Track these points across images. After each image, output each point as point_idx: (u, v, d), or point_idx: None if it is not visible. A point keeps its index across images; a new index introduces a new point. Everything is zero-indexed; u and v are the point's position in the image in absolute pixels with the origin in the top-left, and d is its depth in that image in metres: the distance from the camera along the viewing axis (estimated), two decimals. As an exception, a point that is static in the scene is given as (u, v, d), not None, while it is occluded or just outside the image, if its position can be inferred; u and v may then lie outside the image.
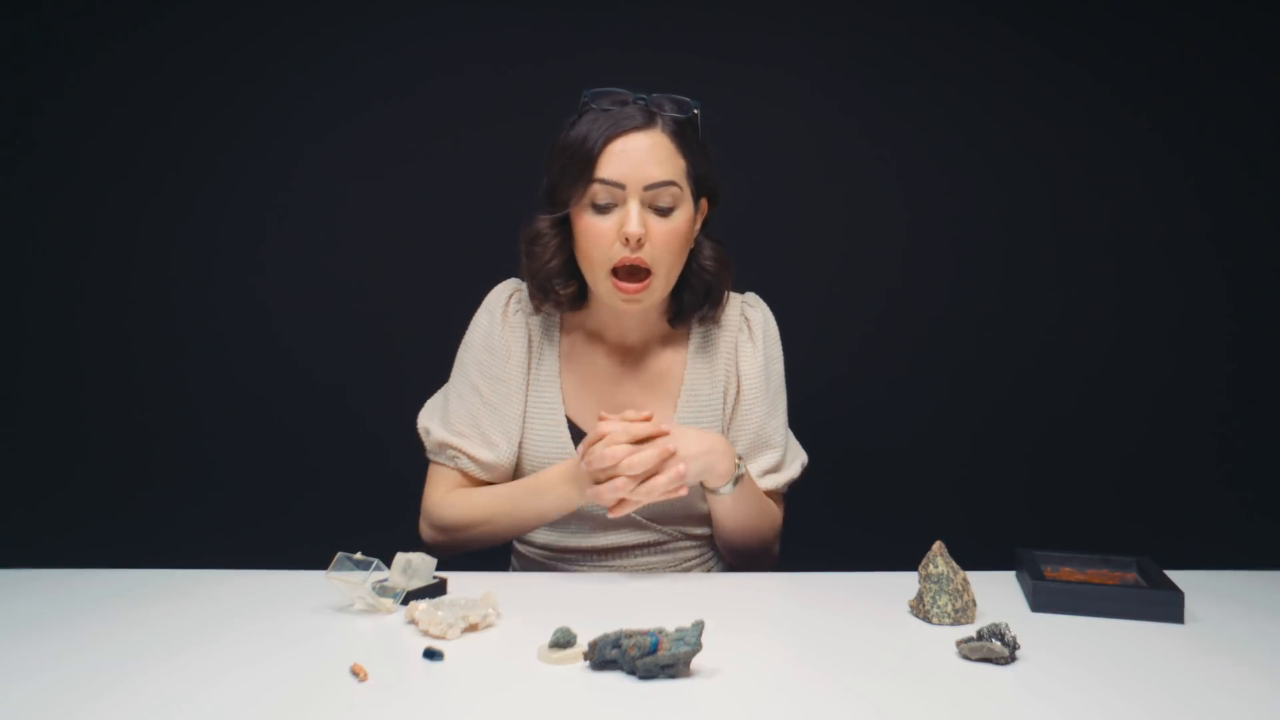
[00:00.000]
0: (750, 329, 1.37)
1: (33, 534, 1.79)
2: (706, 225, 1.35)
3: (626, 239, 1.21)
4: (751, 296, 1.43)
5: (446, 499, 1.32)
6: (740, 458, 1.26)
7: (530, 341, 1.35)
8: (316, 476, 1.90)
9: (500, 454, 1.32)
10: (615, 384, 1.36)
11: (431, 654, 0.94)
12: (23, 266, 1.86)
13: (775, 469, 1.37)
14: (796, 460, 1.41)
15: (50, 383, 1.87)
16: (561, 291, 1.31)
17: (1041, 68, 1.87)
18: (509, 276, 1.41)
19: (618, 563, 1.37)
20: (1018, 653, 0.95)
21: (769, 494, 1.36)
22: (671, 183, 1.22)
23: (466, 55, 1.86)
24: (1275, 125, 1.86)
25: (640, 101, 1.24)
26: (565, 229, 1.29)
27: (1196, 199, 1.88)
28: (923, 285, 1.90)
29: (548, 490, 1.26)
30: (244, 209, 1.87)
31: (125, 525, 1.85)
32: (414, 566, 1.10)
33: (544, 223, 1.30)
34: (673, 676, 0.89)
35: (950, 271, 1.90)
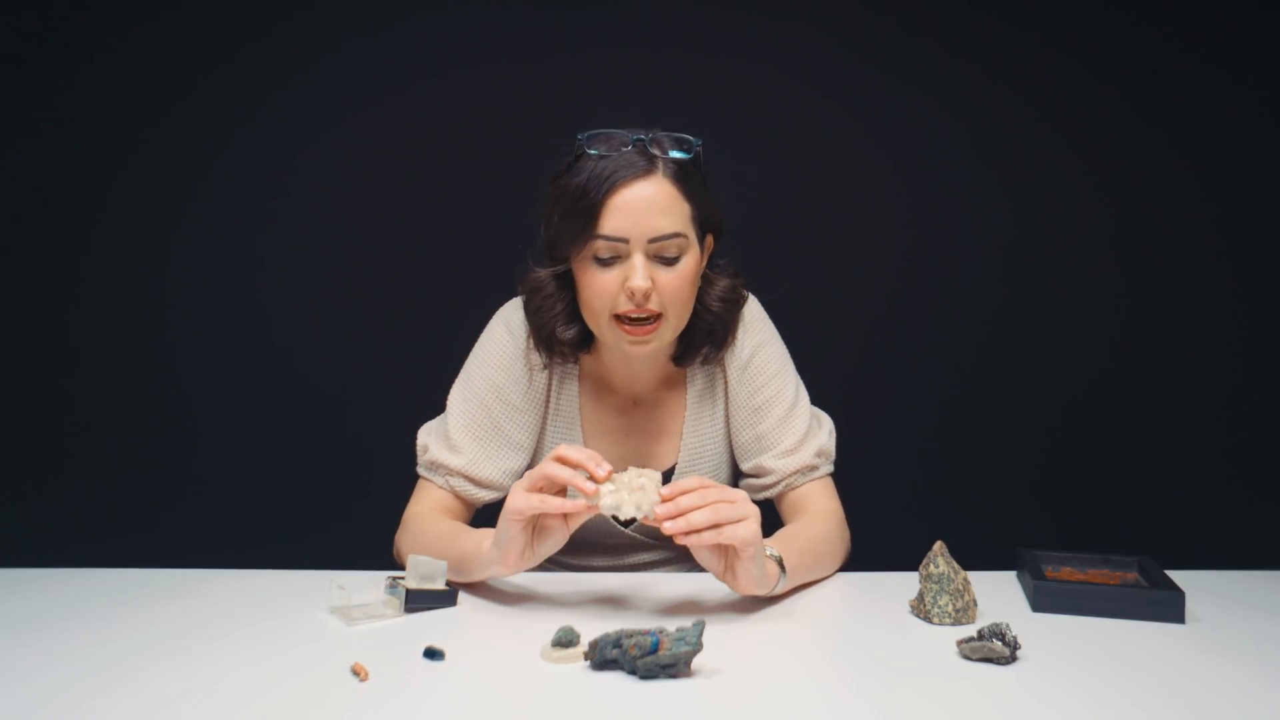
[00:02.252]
0: (743, 328, 1.32)
1: (20, 531, 1.79)
2: (711, 259, 1.30)
3: (632, 293, 1.15)
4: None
5: (414, 521, 1.27)
6: (779, 565, 1.11)
7: (551, 374, 1.32)
8: (310, 478, 1.90)
9: (497, 477, 1.27)
10: (628, 426, 1.34)
11: (431, 654, 0.94)
12: (17, 264, 1.85)
13: (792, 450, 1.30)
14: (822, 431, 1.33)
15: (43, 381, 1.87)
16: (565, 340, 1.26)
17: (1044, 65, 1.87)
18: (505, 279, 1.35)
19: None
20: (1018, 653, 0.95)
21: (802, 480, 1.30)
22: (677, 234, 1.16)
23: (462, 56, 1.86)
24: None
25: (639, 142, 1.17)
26: (565, 278, 1.24)
27: (1202, 196, 1.88)
28: (927, 284, 1.90)
29: (476, 564, 1.12)
30: (240, 209, 1.87)
31: (115, 523, 1.85)
32: (427, 569, 1.10)
33: (544, 275, 1.24)
34: (673, 676, 0.89)
35: (955, 271, 1.90)
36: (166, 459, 1.89)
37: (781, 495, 1.31)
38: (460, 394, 1.31)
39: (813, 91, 1.89)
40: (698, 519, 1.00)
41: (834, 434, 1.35)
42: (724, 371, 1.34)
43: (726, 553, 1.05)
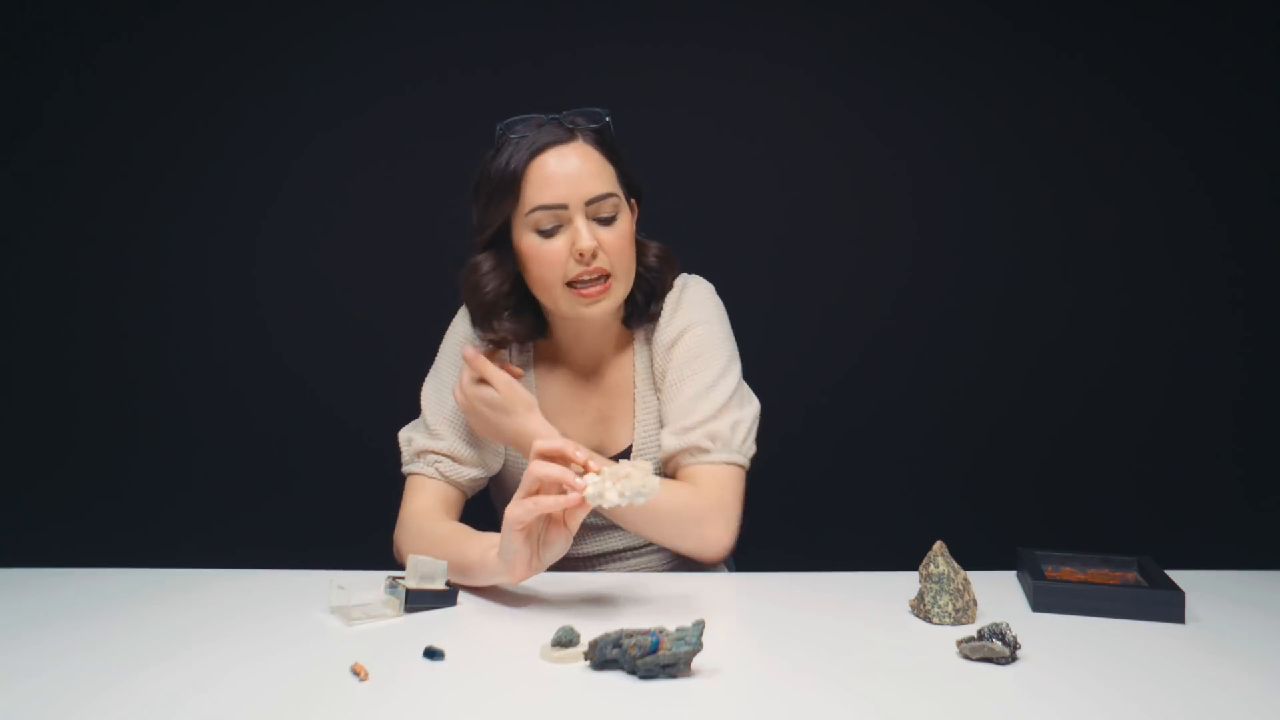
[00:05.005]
0: (664, 309, 1.33)
1: (20, 532, 1.79)
2: (640, 225, 1.33)
3: (581, 254, 1.20)
4: (681, 278, 1.37)
5: (413, 520, 1.28)
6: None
7: (511, 357, 1.36)
8: (309, 478, 1.90)
9: (481, 455, 1.31)
10: (583, 404, 1.36)
11: (431, 654, 0.94)
12: (16, 265, 1.85)
13: (687, 430, 1.26)
14: (730, 418, 1.26)
15: (41, 381, 1.87)
16: (507, 324, 1.29)
17: (1048, 66, 1.87)
18: None
19: (604, 568, 1.38)
20: (1018, 652, 0.95)
21: (690, 460, 1.25)
22: (611, 194, 1.22)
23: (454, 60, 1.86)
24: (1280, 123, 1.86)
25: (554, 120, 1.23)
26: (503, 258, 1.27)
27: (1205, 199, 1.87)
28: (929, 284, 1.90)
29: (482, 573, 1.12)
30: (237, 212, 1.87)
31: (115, 523, 1.85)
32: (427, 569, 1.10)
33: (481, 257, 1.28)
34: (673, 676, 0.89)
35: (957, 272, 1.90)
36: (166, 459, 1.89)
37: (675, 474, 1.28)
38: (432, 386, 1.35)
39: (813, 93, 1.89)
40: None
41: (744, 426, 1.28)
42: (652, 351, 1.34)
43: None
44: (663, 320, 1.33)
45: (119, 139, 1.85)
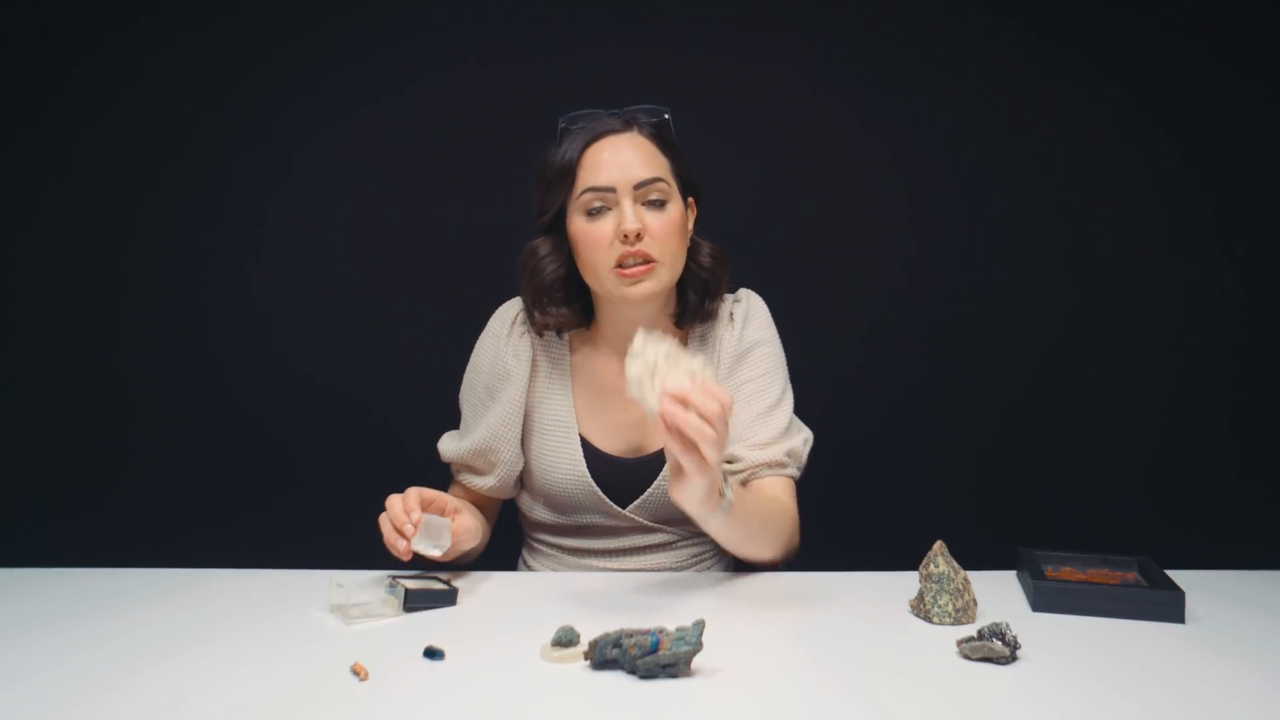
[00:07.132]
0: (734, 320, 1.38)
1: (20, 532, 1.79)
2: (697, 226, 1.37)
3: (625, 235, 1.23)
4: (742, 292, 1.43)
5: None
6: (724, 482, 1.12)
7: (535, 361, 1.37)
8: (310, 478, 1.89)
9: (497, 477, 1.36)
10: (620, 408, 1.36)
11: (431, 653, 0.94)
12: (17, 264, 1.85)
13: (764, 445, 1.32)
14: (798, 437, 1.35)
15: (42, 381, 1.87)
16: (561, 309, 1.33)
17: (1046, 65, 1.87)
18: (506, 276, 1.40)
19: (629, 561, 1.38)
20: (1018, 652, 0.95)
21: (767, 472, 1.31)
22: (659, 179, 1.26)
23: (466, 53, 1.86)
24: (1280, 123, 1.86)
25: (614, 114, 1.30)
26: (560, 245, 1.32)
27: (1203, 198, 1.87)
28: (929, 283, 1.90)
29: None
30: (239, 209, 1.87)
31: (115, 523, 1.84)
32: (435, 526, 1.15)
33: (539, 241, 1.33)
34: (673, 676, 0.89)
35: (956, 271, 1.90)
36: (167, 459, 1.88)
37: (745, 483, 1.33)
38: (462, 407, 1.40)
39: (813, 90, 1.88)
40: (690, 425, 0.97)
41: (809, 444, 1.38)
42: (719, 354, 1.37)
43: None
44: (733, 329, 1.36)
45: (119, 138, 1.85)
